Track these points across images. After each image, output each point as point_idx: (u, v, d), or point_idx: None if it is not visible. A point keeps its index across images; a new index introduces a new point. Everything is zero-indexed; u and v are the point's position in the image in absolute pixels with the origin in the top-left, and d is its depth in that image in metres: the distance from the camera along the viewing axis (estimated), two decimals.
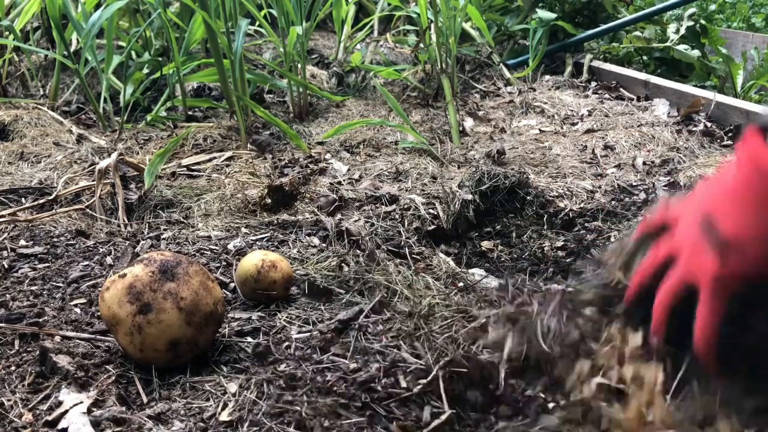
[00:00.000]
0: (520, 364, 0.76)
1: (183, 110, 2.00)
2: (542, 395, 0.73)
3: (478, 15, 2.23)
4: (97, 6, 2.11)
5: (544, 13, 2.54)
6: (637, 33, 2.63)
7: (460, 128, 1.87)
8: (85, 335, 0.89)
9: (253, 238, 1.20)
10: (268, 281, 0.97)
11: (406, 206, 1.30)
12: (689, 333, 0.62)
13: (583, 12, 2.72)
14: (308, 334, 0.90)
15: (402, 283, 1.01)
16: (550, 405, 0.72)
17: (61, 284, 1.03)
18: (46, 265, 1.10)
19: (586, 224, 1.28)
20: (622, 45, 2.60)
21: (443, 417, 0.72)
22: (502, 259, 1.24)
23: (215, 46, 1.84)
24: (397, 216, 1.27)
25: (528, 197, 1.35)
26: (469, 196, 1.33)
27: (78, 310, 0.96)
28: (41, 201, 1.38)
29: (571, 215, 1.31)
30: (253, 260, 0.98)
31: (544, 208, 1.34)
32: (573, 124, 1.93)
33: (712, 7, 4.01)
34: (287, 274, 0.99)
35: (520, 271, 1.18)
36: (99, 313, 0.90)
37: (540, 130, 1.90)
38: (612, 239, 1.22)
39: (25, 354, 0.85)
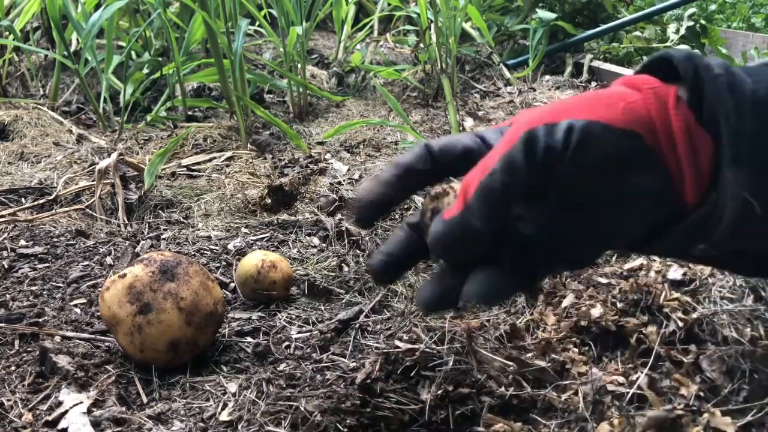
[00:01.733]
0: None
1: (183, 110, 2.00)
2: None
3: (478, 15, 2.23)
4: (97, 6, 2.11)
5: (544, 13, 2.54)
6: (637, 33, 2.63)
7: (460, 128, 1.87)
8: (85, 335, 0.89)
9: (253, 238, 1.20)
10: (268, 281, 0.97)
11: (406, 206, 1.30)
12: None
13: (583, 12, 2.72)
14: (308, 334, 0.90)
15: (402, 283, 1.01)
16: None
17: (61, 284, 1.03)
18: (46, 265, 1.10)
19: None
20: (622, 45, 2.60)
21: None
22: None
23: (215, 46, 1.84)
24: (397, 216, 1.27)
25: None
26: None
27: (78, 310, 0.96)
28: (41, 201, 1.38)
29: None
30: (253, 260, 0.98)
31: None
32: None
33: (712, 7, 4.01)
34: (287, 275, 0.99)
35: None
36: (99, 313, 0.90)
37: None
38: None
39: (25, 354, 0.85)
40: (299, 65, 2.05)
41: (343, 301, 0.99)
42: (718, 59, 0.48)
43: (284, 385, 0.78)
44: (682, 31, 2.51)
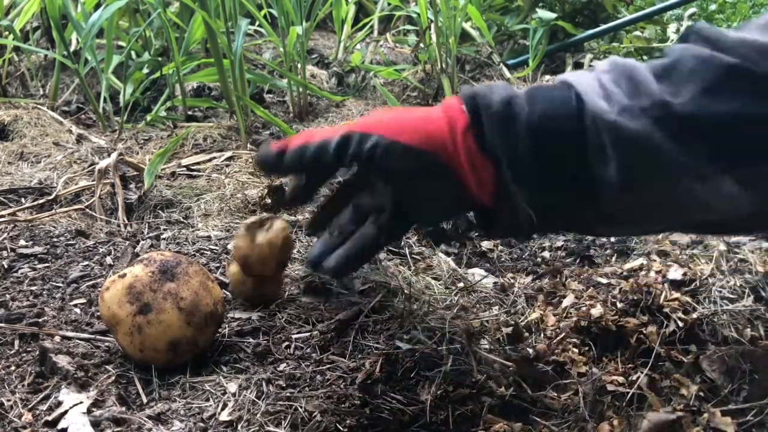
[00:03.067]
0: None
1: (183, 110, 2.00)
2: None
3: (478, 15, 2.22)
4: (97, 6, 2.11)
5: (544, 13, 2.54)
6: (638, 33, 2.63)
7: None
8: (85, 335, 0.89)
9: None
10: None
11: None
12: None
13: (584, 12, 2.72)
14: (308, 334, 0.90)
15: (402, 283, 1.01)
16: None
17: (60, 284, 1.03)
18: (46, 265, 1.10)
19: None
20: (623, 45, 2.60)
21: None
22: (503, 259, 1.24)
23: (215, 46, 1.84)
24: None
25: None
26: None
27: (78, 310, 0.96)
28: (41, 201, 1.37)
29: None
30: None
31: None
32: None
33: (713, 6, 4.00)
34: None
35: (519, 271, 1.18)
36: (99, 314, 0.90)
37: None
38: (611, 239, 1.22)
39: (24, 354, 0.85)
40: (299, 65, 2.05)
41: (343, 301, 0.99)
42: (504, 91, 0.64)
43: (284, 385, 0.78)
44: (683, 31, 2.51)
